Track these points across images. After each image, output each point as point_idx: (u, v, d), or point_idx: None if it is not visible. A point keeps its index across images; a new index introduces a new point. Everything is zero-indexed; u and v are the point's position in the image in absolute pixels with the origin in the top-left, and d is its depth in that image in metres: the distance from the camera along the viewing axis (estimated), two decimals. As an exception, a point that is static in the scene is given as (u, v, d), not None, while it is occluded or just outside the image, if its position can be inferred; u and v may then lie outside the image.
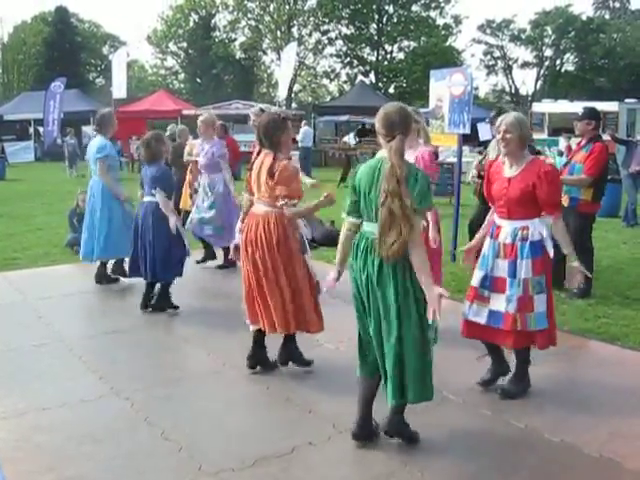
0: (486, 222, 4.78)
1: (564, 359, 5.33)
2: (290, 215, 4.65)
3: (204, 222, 8.19)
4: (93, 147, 7.49)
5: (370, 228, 3.72)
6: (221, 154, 8.10)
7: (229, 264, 8.21)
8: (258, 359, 5.03)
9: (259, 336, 4.98)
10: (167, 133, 11.15)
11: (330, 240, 10.08)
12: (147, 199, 6.57)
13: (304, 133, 22.74)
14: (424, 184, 3.61)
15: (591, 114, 7.03)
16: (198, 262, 8.47)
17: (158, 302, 6.60)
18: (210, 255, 8.63)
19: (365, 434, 3.93)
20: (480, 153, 10.10)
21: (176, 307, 6.63)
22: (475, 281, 4.57)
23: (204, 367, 5.21)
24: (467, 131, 8.36)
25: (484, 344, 4.70)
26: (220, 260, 8.52)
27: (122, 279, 7.60)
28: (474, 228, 8.35)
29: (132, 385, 4.80)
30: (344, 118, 30.45)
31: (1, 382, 4.87)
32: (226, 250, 8.14)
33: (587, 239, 7.05)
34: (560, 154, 10.19)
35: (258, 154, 4.86)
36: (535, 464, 3.74)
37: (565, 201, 6.75)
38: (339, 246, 4.01)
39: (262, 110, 6.82)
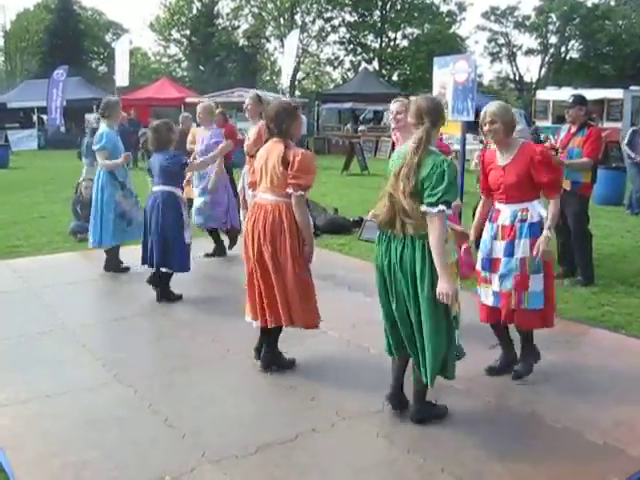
0: (477, 214, 4.84)
1: (567, 347, 5.33)
2: (298, 201, 4.53)
3: (197, 211, 8.29)
4: (95, 137, 7.54)
5: None
6: (214, 142, 8.01)
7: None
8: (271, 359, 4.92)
9: (266, 335, 4.89)
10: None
11: (333, 227, 10.10)
12: (156, 188, 6.54)
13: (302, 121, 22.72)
14: (445, 176, 3.63)
15: (582, 100, 7.11)
16: (207, 255, 8.44)
17: (162, 292, 6.61)
18: (220, 251, 8.54)
19: (395, 402, 4.10)
20: (482, 142, 10.06)
21: (179, 297, 6.63)
22: (478, 264, 4.68)
23: (208, 354, 5.22)
24: (471, 118, 8.32)
25: (494, 332, 4.75)
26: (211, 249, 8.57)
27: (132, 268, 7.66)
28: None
29: (136, 372, 4.81)
30: (347, 105, 30.37)
31: (5, 369, 4.88)
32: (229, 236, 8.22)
33: (586, 223, 7.12)
34: None
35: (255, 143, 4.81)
36: (539, 451, 3.73)
37: (567, 185, 6.80)
38: None
39: (258, 96, 6.81)
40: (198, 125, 8.91)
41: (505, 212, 4.53)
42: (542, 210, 4.48)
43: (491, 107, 4.47)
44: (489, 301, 4.60)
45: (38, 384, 4.59)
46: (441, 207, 3.60)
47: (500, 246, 4.51)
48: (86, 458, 3.64)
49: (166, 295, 6.60)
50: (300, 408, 4.27)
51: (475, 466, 3.59)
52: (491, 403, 4.34)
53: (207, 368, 4.95)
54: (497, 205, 4.62)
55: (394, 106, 5.37)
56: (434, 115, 3.78)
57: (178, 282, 6.72)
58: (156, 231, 6.42)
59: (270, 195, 4.63)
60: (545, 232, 4.39)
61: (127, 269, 7.68)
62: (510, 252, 4.46)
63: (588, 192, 7.18)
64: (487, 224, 4.66)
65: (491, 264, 4.56)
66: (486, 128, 4.44)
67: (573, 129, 7.01)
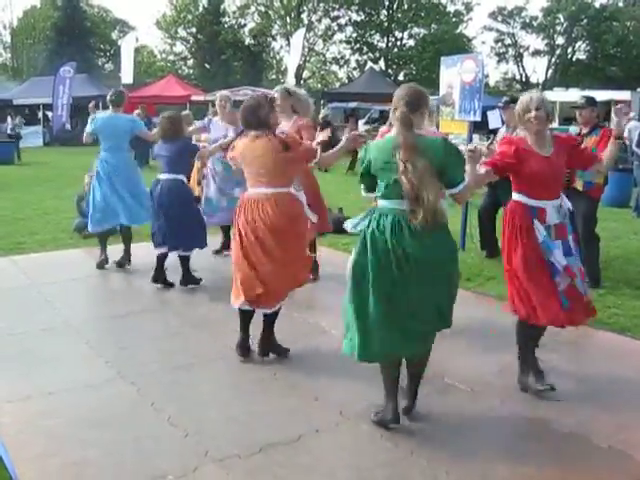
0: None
1: (573, 349, 5.29)
2: (322, 160, 4.75)
3: (234, 202, 8.10)
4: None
5: (393, 205, 3.70)
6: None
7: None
8: (267, 345, 5.02)
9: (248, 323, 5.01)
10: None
11: (338, 227, 10.06)
12: (163, 176, 6.71)
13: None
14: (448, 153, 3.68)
15: (594, 102, 7.10)
16: (216, 252, 8.39)
17: (184, 277, 6.83)
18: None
19: (398, 420, 3.95)
20: (488, 139, 10.03)
21: (199, 280, 6.89)
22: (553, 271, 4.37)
23: (211, 352, 5.19)
24: (478, 118, 8.28)
25: (537, 339, 4.58)
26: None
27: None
28: (483, 216, 8.34)
29: (138, 370, 4.79)
30: (353, 105, 30.34)
31: (7, 366, 4.87)
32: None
33: (595, 226, 7.08)
34: None
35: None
36: (543, 455, 3.70)
37: (580, 186, 6.77)
38: None
39: (287, 90, 6.53)
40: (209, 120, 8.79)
41: (550, 209, 4.31)
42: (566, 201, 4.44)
43: (538, 94, 4.34)
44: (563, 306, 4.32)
45: (40, 381, 4.58)
46: None
47: (559, 248, 4.31)
48: (88, 456, 3.62)
49: (189, 280, 6.84)
50: (304, 408, 4.25)
51: (479, 469, 3.56)
52: (496, 405, 4.30)
53: (211, 366, 4.93)
54: (536, 202, 4.33)
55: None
56: (415, 102, 3.73)
57: (179, 277, 6.72)
58: (166, 214, 6.61)
59: (265, 188, 4.68)
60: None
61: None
62: (568, 251, 4.31)
63: (599, 194, 7.14)
64: (538, 225, 4.31)
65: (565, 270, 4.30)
66: (532, 114, 4.24)
67: (584, 130, 6.96)
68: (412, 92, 3.76)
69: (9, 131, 23.54)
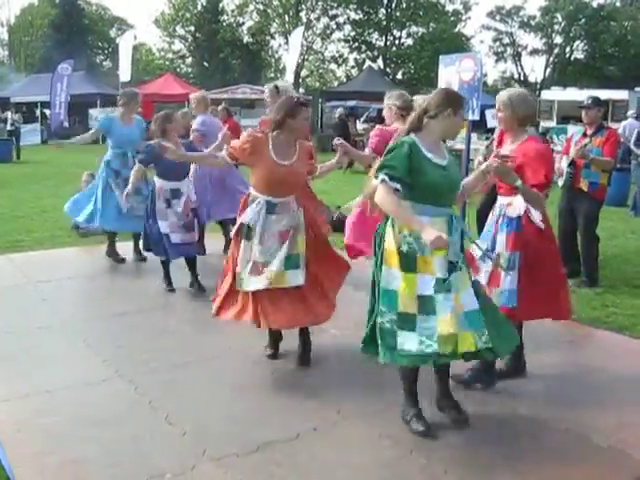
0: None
1: (571, 348, 5.29)
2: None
3: None
4: None
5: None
6: (198, 129, 7.89)
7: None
8: None
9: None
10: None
11: (337, 225, 10.05)
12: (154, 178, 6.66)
13: None
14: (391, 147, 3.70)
15: (599, 102, 7.08)
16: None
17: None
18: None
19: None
20: (487, 138, 10.04)
21: (171, 289, 6.72)
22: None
23: (209, 351, 5.18)
24: (476, 117, 8.30)
25: None
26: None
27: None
28: (482, 216, 8.33)
29: (136, 368, 4.78)
30: (352, 103, 30.31)
31: (4, 365, 4.85)
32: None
33: (596, 226, 7.08)
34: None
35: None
36: (542, 453, 3.70)
37: (585, 186, 6.78)
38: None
39: (276, 87, 6.56)
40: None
41: (497, 204, 4.49)
42: (524, 206, 4.30)
43: (503, 96, 4.37)
44: None
45: (38, 379, 4.56)
46: (381, 177, 3.58)
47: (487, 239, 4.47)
48: (86, 454, 3.61)
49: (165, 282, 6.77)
50: (302, 407, 4.24)
51: (478, 468, 3.55)
52: (495, 405, 4.30)
53: (208, 365, 4.92)
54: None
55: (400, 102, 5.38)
56: (429, 101, 3.75)
57: (182, 277, 6.70)
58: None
59: None
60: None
61: (123, 260, 7.84)
62: (492, 247, 4.39)
63: (603, 195, 7.09)
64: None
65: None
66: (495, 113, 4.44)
67: (589, 131, 6.95)
68: (436, 95, 3.85)
69: (9, 127, 23.43)
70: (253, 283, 4.52)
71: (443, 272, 3.62)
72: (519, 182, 4.02)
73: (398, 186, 3.57)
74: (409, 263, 3.60)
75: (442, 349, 3.55)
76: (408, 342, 3.59)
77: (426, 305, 3.59)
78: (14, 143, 22.54)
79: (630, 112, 17.25)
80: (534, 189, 4.09)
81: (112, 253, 7.86)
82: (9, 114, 24.06)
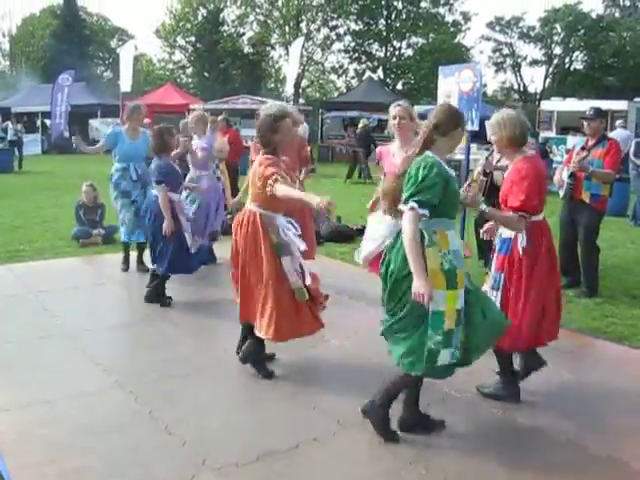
0: None
1: (571, 358, 5.29)
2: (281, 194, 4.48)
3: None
4: None
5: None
6: (206, 147, 7.97)
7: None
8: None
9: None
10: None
11: (336, 235, 10.07)
12: (153, 191, 6.62)
13: (305, 128, 22.74)
14: (420, 174, 3.66)
15: (601, 113, 7.08)
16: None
17: (151, 292, 6.62)
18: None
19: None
20: (487, 149, 10.05)
21: (168, 302, 6.62)
22: None
23: (209, 361, 5.19)
24: (476, 128, 8.32)
25: None
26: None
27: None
28: (480, 226, 8.35)
29: (136, 378, 4.79)
30: (352, 114, 30.36)
31: (4, 374, 4.86)
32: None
33: (596, 237, 7.09)
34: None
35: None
36: (541, 464, 3.70)
37: (586, 197, 6.79)
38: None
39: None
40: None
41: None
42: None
43: (492, 119, 4.44)
44: None
45: (38, 389, 4.57)
46: (411, 204, 3.59)
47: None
48: (85, 464, 3.62)
49: (159, 299, 6.59)
50: (301, 417, 4.24)
51: (477, 478, 3.56)
52: (494, 414, 4.30)
53: (208, 375, 4.93)
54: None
55: (396, 110, 5.27)
56: (439, 118, 3.78)
57: (181, 287, 6.71)
58: (153, 235, 6.53)
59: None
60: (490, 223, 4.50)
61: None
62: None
63: (604, 206, 7.09)
64: None
65: None
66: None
67: (590, 142, 6.96)
68: (443, 111, 3.90)
69: (11, 137, 23.33)
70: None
71: (466, 283, 3.81)
72: (483, 206, 4.12)
73: (427, 212, 3.62)
74: (452, 280, 3.68)
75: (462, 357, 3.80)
76: (444, 356, 3.70)
77: (460, 317, 3.72)
78: (15, 153, 22.52)
79: (618, 122, 17.31)
80: (512, 212, 4.19)
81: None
82: (9, 124, 24.01)
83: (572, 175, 6.83)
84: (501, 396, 4.47)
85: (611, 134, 13.90)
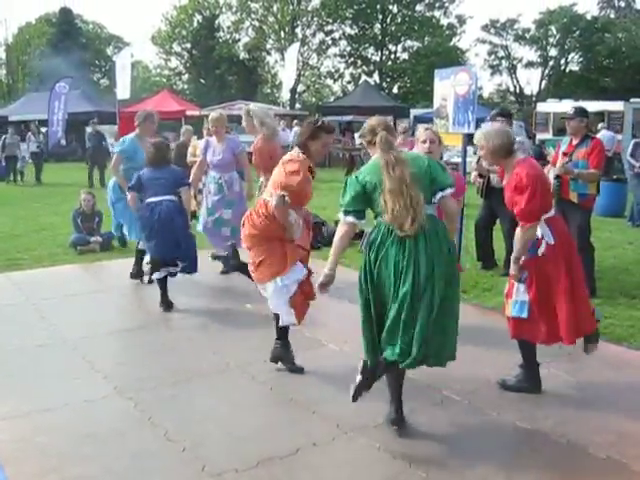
0: None
1: (569, 359, 5.29)
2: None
3: (221, 223, 7.77)
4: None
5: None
6: (240, 150, 7.91)
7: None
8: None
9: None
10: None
11: (331, 239, 10.06)
12: (157, 198, 6.61)
13: (296, 133, 22.80)
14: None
15: (583, 112, 7.11)
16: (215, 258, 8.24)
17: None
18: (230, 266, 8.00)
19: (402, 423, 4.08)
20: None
21: (167, 308, 6.70)
22: None
23: (208, 367, 5.19)
24: (472, 130, 8.31)
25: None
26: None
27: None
28: (479, 228, 8.37)
29: (136, 385, 4.79)
30: (348, 118, 30.39)
31: (4, 382, 4.86)
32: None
33: (589, 235, 7.11)
34: None
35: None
36: (541, 465, 3.71)
37: (574, 198, 6.82)
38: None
39: (247, 112, 7.02)
40: (200, 138, 8.83)
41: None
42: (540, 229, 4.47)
43: (477, 134, 4.59)
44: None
45: (37, 397, 4.57)
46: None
47: None
48: (85, 472, 3.62)
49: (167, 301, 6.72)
50: (301, 421, 4.24)
51: (478, 480, 3.56)
52: (494, 417, 4.30)
53: (208, 381, 4.93)
54: None
55: (426, 134, 5.27)
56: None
57: (182, 293, 6.71)
58: (173, 232, 6.57)
59: None
60: (512, 267, 4.51)
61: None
62: None
63: (592, 204, 7.16)
64: None
65: None
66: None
67: (575, 141, 6.99)
68: (385, 120, 4.22)
69: (35, 149, 21.97)
70: None
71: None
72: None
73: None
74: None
75: None
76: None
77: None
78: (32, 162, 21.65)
79: (600, 125, 17.41)
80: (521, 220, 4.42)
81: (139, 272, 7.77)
82: (31, 136, 22.67)
83: (558, 176, 6.87)
84: (524, 388, 4.58)
85: (602, 133, 13.96)
